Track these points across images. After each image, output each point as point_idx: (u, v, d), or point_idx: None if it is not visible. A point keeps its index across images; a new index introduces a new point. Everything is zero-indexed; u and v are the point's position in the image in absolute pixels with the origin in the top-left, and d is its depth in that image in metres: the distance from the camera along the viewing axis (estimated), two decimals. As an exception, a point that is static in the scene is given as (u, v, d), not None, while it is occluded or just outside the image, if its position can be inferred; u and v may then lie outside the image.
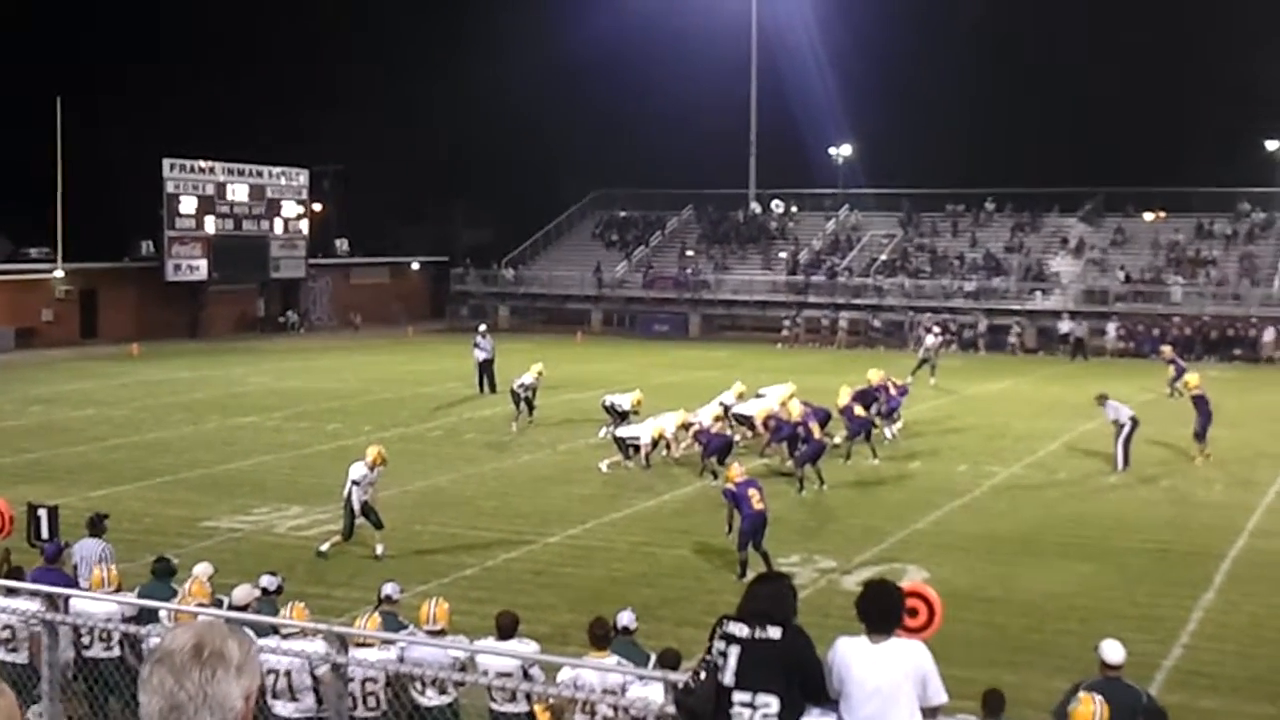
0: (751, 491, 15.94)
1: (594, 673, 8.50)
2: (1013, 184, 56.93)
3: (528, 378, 26.88)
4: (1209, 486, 21.59)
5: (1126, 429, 22.81)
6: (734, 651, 5.54)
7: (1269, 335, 44.99)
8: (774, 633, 5.54)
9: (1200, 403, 23.93)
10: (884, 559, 16.62)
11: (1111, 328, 47.76)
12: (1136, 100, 63.70)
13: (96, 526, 13.03)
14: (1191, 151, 58.20)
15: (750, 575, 15.16)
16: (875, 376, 25.93)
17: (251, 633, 6.23)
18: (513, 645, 9.48)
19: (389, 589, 11.04)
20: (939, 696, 5.68)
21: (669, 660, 9.11)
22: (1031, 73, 64.85)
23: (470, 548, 17.05)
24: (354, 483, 16.45)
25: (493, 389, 31.98)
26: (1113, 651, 9.32)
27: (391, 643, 9.14)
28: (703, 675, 5.61)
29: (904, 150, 61.51)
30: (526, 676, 9.01)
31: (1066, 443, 25.92)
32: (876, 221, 59.52)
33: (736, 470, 16.59)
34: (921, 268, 54.39)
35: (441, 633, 9.82)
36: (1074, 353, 45.65)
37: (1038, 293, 51.01)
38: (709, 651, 5.66)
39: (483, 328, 34.75)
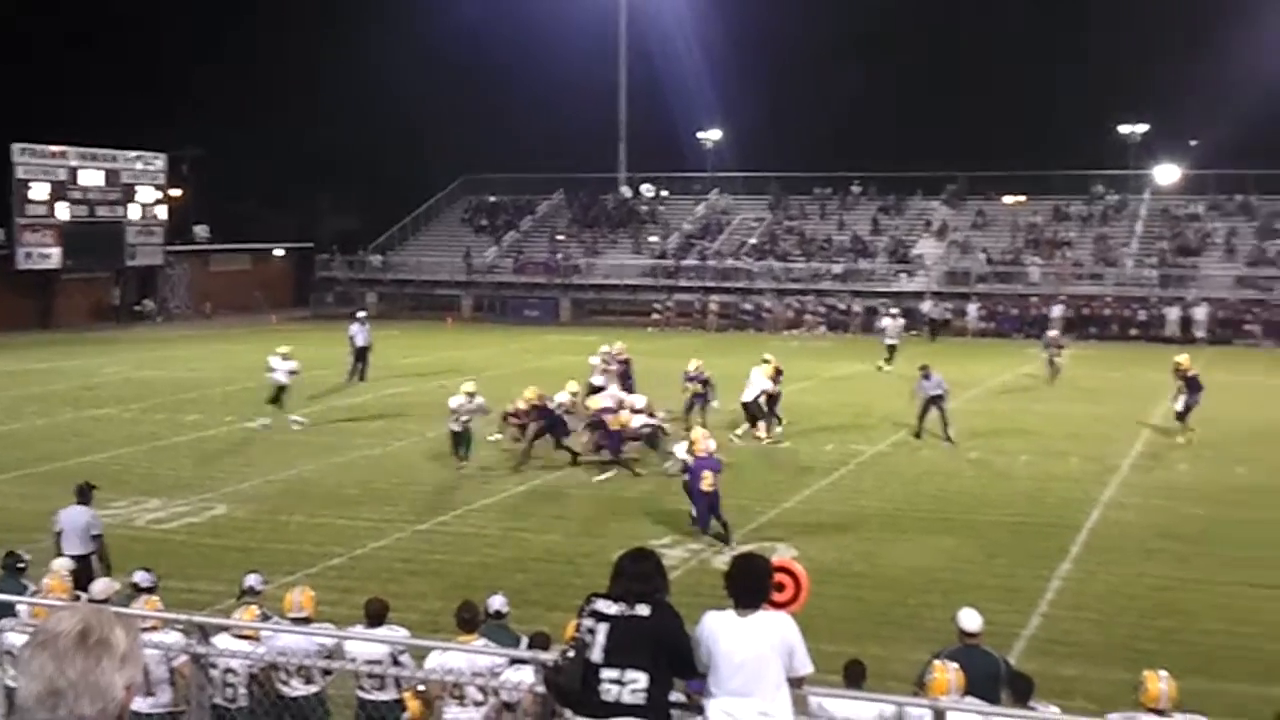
0: (705, 472, 16.38)
1: (461, 657, 8.41)
2: (878, 168, 57.98)
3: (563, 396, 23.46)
4: (1065, 460, 22.22)
5: (941, 401, 23.83)
6: (603, 628, 5.55)
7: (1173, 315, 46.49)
8: (643, 610, 5.56)
9: (1193, 384, 24.05)
10: (754, 538, 16.72)
11: (973, 308, 49.00)
12: (996, 85, 65.29)
13: (84, 495, 13.49)
14: (1048, 136, 59.88)
15: (733, 546, 15.73)
16: (767, 371, 24.82)
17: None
18: (381, 632, 9.33)
19: (251, 580, 10.77)
20: (805, 667, 5.72)
21: (539, 643, 9.06)
22: (895, 58, 66.09)
23: (338, 537, 16.74)
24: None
25: (362, 377, 31.45)
26: (970, 620, 9.57)
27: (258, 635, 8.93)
28: (571, 653, 5.58)
29: (772, 134, 62.24)
30: (395, 663, 8.88)
31: (929, 420, 26.41)
32: (745, 205, 60.11)
33: (701, 442, 16.92)
34: (790, 250, 55.04)
35: (306, 620, 9.61)
36: (933, 333, 46.66)
37: (903, 274, 52.00)
38: (578, 630, 5.65)
39: (361, 314, 33.89)
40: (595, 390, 24.31)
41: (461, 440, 21.33)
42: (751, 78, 61.15)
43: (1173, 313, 46.59)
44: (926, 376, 24.25)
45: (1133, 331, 46.44)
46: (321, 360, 35.27)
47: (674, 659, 5.62)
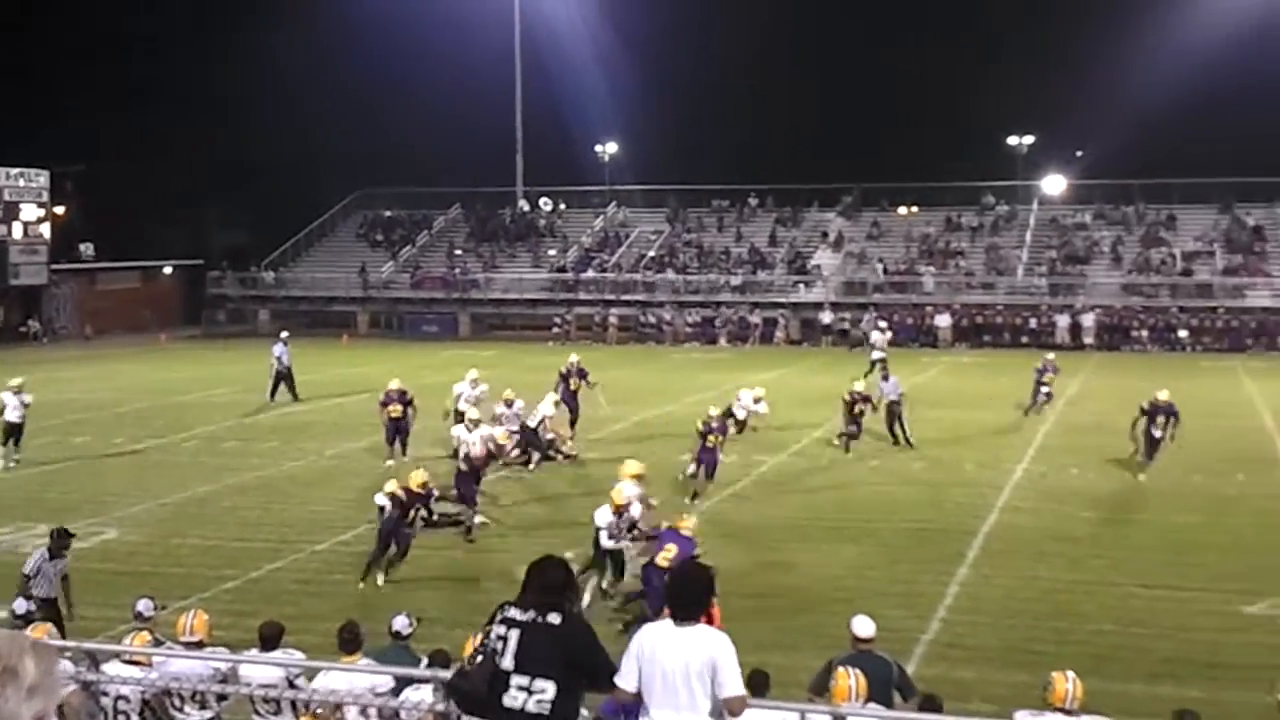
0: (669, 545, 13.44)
1: (342, 677, 8.31)
2: (775, 180, 58.55)
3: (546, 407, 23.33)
4: (961, 467, 22.57)
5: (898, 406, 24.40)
6: (514, 635, 5.50)
7: (1063, 322, 47.48)
8: (554, 619, 5.52)
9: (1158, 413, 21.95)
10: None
11: (869, 318, 49.59)
12: (889, 99, 66.35)
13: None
14: (940, 148, 60.95)
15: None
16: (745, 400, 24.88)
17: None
18: (276, 655, 9.14)
19: (142, 606, 10.48)
20: (733, 689, 5.61)
21: (439, 661, 8.99)
22: (790, 71, 66.77)
23: (233, 559, 16.36)
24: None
25: (295, 397, 30.80)
26: (863, 626, 9.76)
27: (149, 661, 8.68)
28: (479, 659, 5.52)
29: (669, 147, 62.50)
30: (291, 686, 8.69)
31: (831, 430, 26.67)
32: (644, 218, 60.31)
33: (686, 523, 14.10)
34: (689, 263, 55.31)
35: (199, 645, 9.37)
36: (852, 344, 46.57)
37: (801, 285, 52.52)
38: (487, 637, 5.58)
39: (285, 333, 33.00)
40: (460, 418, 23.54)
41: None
42: (648, 91, 61.41)
43: (1062, 320, 47.68)
44: (885, 378, 25.00)
45: (1023, 339, 47.40)
46: (212, 379, 34.67)
47: (585, 671, 5.57)
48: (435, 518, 16.16)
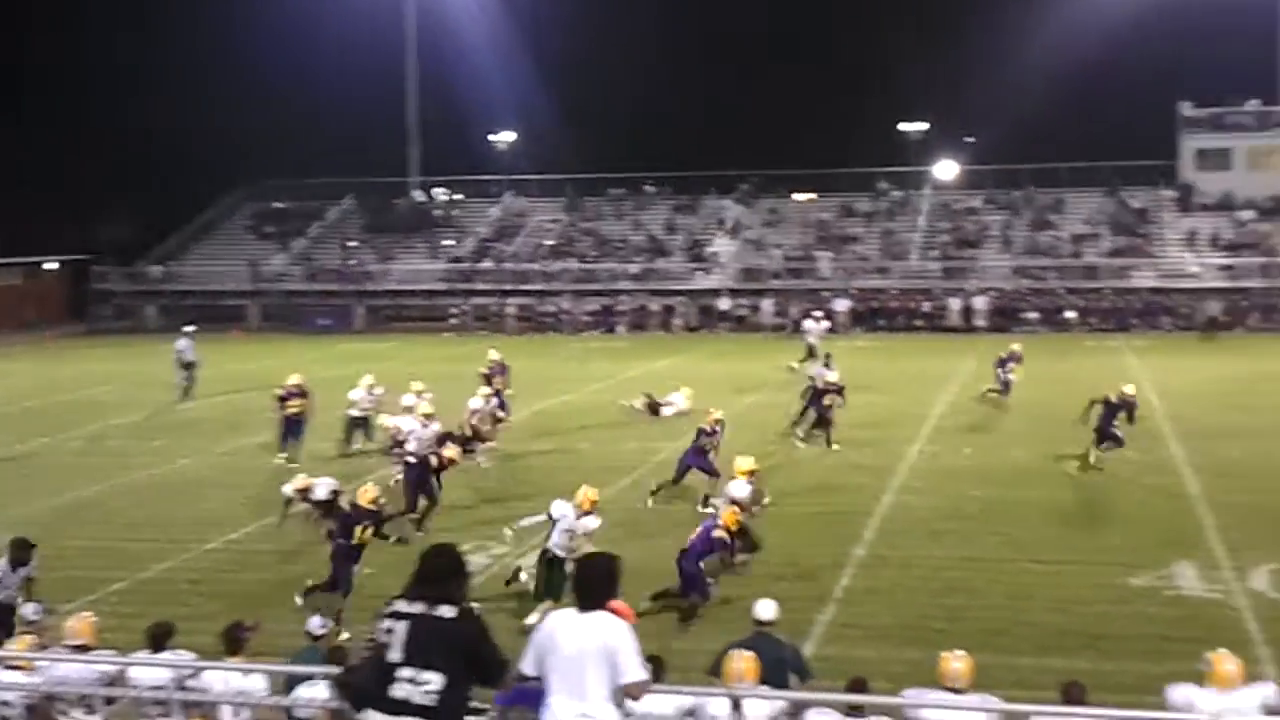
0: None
1: (222, 677, 8.18)
2: (671, 167, 58.63)
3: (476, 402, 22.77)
4: (858, 449, 22.81)
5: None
6: (402, 627, 5.44)
7: (955, 305, 48.29)
8: (446, 611, 5.45)
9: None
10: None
11: (768, 304, 50.04)
12: (784, 86, 66.77)
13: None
14: (835, 135, 61.53)
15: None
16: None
17: None
18: (165, 656, 8.93)
19: (28, 610, 10.18)
20: (633, 674, 5.60)
21: (338, 658, 8.88)
22: (686, 59, 66.88)
23: (121, 560, 15.95)
24: None
25: (187, 395, 30.08)
26: (764, 609, 9.95)
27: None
28: (366, 653, 5.44)
29: (565, 135, 62.22)
30: (181, 688, 8.49)
31: (728, 415, 26.81)
32: (541, 207, 60.02)
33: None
34: (587, 251, 55.22)
35: (85, 648, 9.11)
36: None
37: (700, 272, 52.73)
38: (377, 632, 5.52)
39: (189, 328, 31.89)
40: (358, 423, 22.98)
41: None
42: (543, 78, 61.00)
43: (955, 303, 48.50)
44: (827, 365, 25.22)
45: (918, 322, 48.16)
46: (98, 376, 33.80)
47: (475, 664, 5.49)
48: (387, 536, 14.39)
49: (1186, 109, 54.26)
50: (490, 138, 65.25)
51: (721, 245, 54.37)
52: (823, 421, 23.30)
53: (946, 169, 59.99)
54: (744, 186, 58.31)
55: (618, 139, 63.43)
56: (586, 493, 13.92)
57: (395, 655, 5.39)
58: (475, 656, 5.48)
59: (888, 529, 17.12)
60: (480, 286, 53.17)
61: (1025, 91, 55.39)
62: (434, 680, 5.34)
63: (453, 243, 57.21)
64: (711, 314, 50.53)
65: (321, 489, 17.47)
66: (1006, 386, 27.41)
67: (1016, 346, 28.24)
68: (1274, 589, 14.07)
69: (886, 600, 13.97)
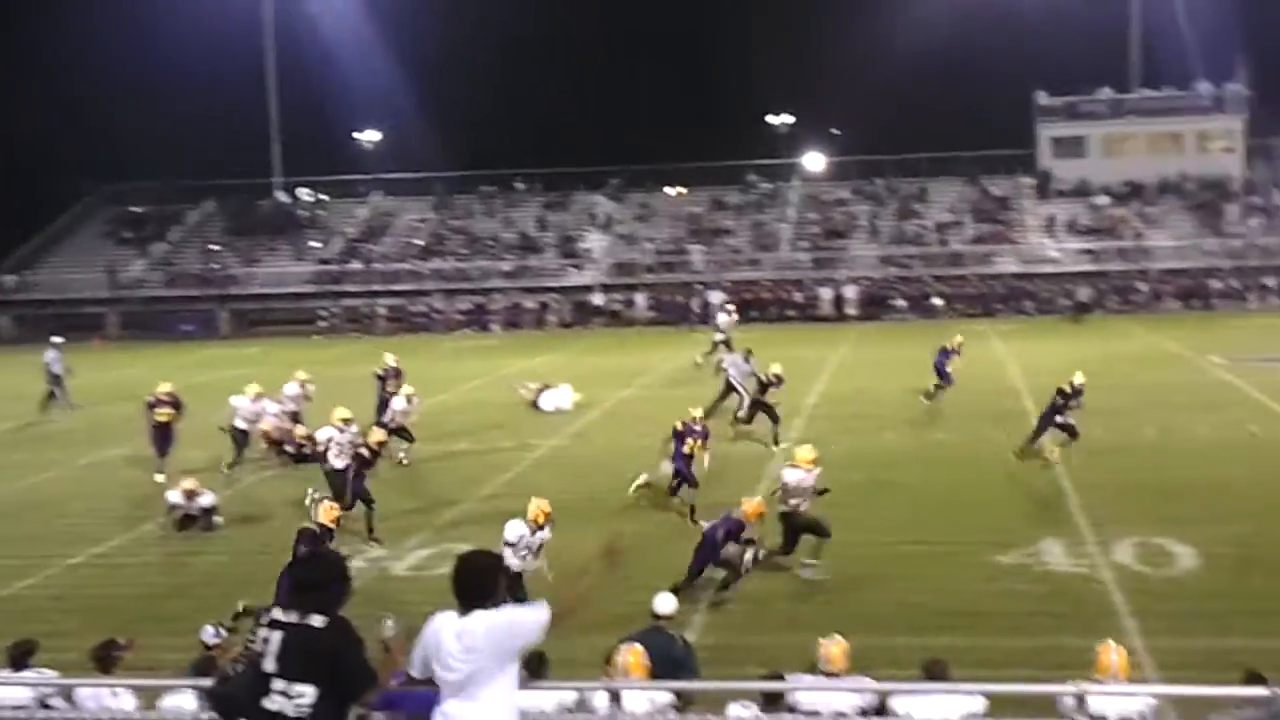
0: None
1: (93, 694, 7.90)
2: (541, 164, 58.43)
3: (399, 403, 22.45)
4: (734, 440, 22.91)
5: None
6: (276, 637, 5.25)
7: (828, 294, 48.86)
8: (316, 621, 5.27)
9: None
10: (434, 541, 16.48)
11: (641, 298, 50.17)
12: (651, 81, 67.03)
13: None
14: (704, 129, 61.95)
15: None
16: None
17: None
18: (27, 675, 8.57)
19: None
20: (537, 620, 5.56)
21: (203, 668, 8.62)
22: (554, 55, 66.65)
23: (-24, 580, 15.28)
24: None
25: (69, 405, 28.91)
26: (662, 603, 9.99)
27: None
28: (241, 665, 5.22)
29: (433, 133, 61.58)
30: (44, 706, 8.16)
31: (606, 411, 26.82)
32: (409, 206, 59.33)
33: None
34: (458, 250, 54.72)
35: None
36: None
37: (572, 269, 52.63)
38: (252, 640, 5.33)
39: (57, 339, 30.70)
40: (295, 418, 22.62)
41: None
42: (409, 75, 60.29)
43: (826, 293, 49.20)
44: (746, 360, 24.80)
45: (790, 313, 48.73)
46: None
47: (341, 677, 5.30)
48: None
49: (1042, 98, 55.83)
50: (355, 136, 64.32)
51: (594, 241, 54.34)
52: (772, 416, 22.34)
53: (814, 161, 60.87)
54: (614, 182, 58.39)
55: (486, 136, 63.05)
56: (539, 505, 13.29)
57: (269, 666, 5.22)
58: (340, 668, 5.30)
59: (767, 516, 17.15)
60: (349, 288, 52.40)
61: (887, 84, 56.38)
62: (306, 693, 5.17)
63: (319, 244, 56.25)
64: (585, 310, 50.50)
65: (207, 497, 17.40)
66: (945, 376, 25.82)
67: (959, 338, 26.90)
68: (1137, 562, 14.47)
69: (764, 587, 14.01)
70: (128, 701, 7.87)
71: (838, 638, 8.62)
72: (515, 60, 64.43)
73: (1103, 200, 53.08)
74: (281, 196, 61.03)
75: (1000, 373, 30.49)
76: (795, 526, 14.50)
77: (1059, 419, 19.89)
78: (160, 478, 20.51)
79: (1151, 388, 27.36)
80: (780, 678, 8.52)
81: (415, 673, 5.63)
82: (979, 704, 7.39)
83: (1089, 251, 49.90)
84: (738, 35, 66.00)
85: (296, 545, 12.88)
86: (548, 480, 20.16)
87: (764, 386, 22.87)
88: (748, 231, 54.70)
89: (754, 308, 49.49)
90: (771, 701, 7.70)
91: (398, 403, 22.08)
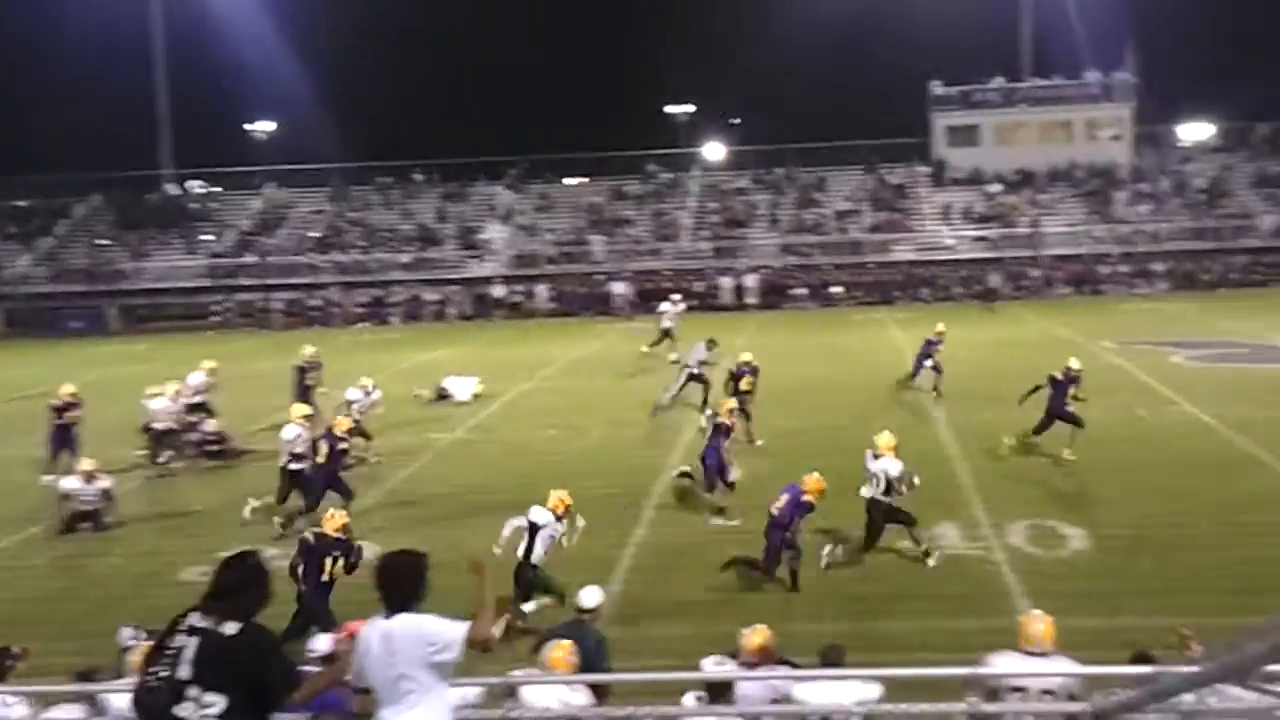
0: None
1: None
2: (439, 154, 57.85)
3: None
4: (634, 430, 22.91)
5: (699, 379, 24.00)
6: (192, 643, 5.10)
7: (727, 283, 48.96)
8: (229, 629, 5.11)
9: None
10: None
11: (542, 289, 49.94)
12: (550, 71, 66.70)
13: None
14: (604, 119, 61.80)
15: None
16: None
17: None
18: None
19: None
20: (455, 637, 5.43)
21: (84, 676, 8.39)
22: (451, 44, 65.98)
23: None
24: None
25: None
26: (586, 597, 10.15)
27: None
28: (161, 671, 5.08)
29: (328, 124, 60.64)
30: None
31: (507, 403, 26.62)
32: (304, 198, 58.38)
33: None
34: (355, 242, 53.98)
35: None
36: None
37: (473, 260, 52.20)
38: (164, 646, 5.17)
39: None
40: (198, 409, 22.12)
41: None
42: (303, 65, 59.25)
43: (726, 282, 49.38)
44: (709, 348, 24.71)
45: (691, 302, 48.73)
46: None
47: (255, 687, 5.14)
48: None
49: (937, 87, 56.60)
50: (248, 128, 63.09)
51: (494, 232, 53.94)
52: (744, 413, 20.83)
53: (714, 150, 61.05)
54: (514, 172, 58.02)
55: (384, 127, 62.28)
56: (560, 496, 13.09)
57: (183, 672, 5.06)
58: (253, 677, 5.14)
59: (666, 507, 17.18)
60: (243, 282, 51.42)
61: (786, 74, 56.83)
62: (217, 703, 5.02)
63: (212, 237, 55.10)
64: (486, 302, 50.14)
65: (105, 481, 17.20)
66: (921, 367, 25.20)
67: (941, 326, 26.05)
68: (1029, 544, 14.71)
69: (668, 578, 13.99)
70: (18, 711, 7.59)
71: (760, 627, 8.66)
72: (412, 49, 63.66)
73: (995, 188, 54.00)
74: (171, 189, 59.65)
75: (900, 360, 30.79)
76: (882, 517, 14.34)
77: (1065, 409, 19.00)
78: (49, 479, 19.89)
79: (1044, 373, 27.82)
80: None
81: (353, 680, 5.57)
82: (875, 691, 7.41)
83: (980, 239, 50.70)
84: (637, 25, 65.95)
85: (426, 560, 12.26)
86: (450, 474, 20.01)
87: (735, 376, 21.89)
88: (648, 221, 54.71)
89: (655, 297, 49.47)
90: (719, 693, 7.70)
91: (352, 393, 21.47)
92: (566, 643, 8.47)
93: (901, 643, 11.27)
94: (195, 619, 5.18)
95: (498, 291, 50.01)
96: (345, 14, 60.22)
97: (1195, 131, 58.54)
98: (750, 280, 49.25)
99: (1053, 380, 19.44)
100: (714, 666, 8.44)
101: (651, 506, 17.22)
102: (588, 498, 17.80)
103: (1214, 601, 12.04)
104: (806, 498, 13.61)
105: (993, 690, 7.46)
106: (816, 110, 58.70)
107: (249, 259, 52.92)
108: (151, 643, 7.54)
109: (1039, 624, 8.12)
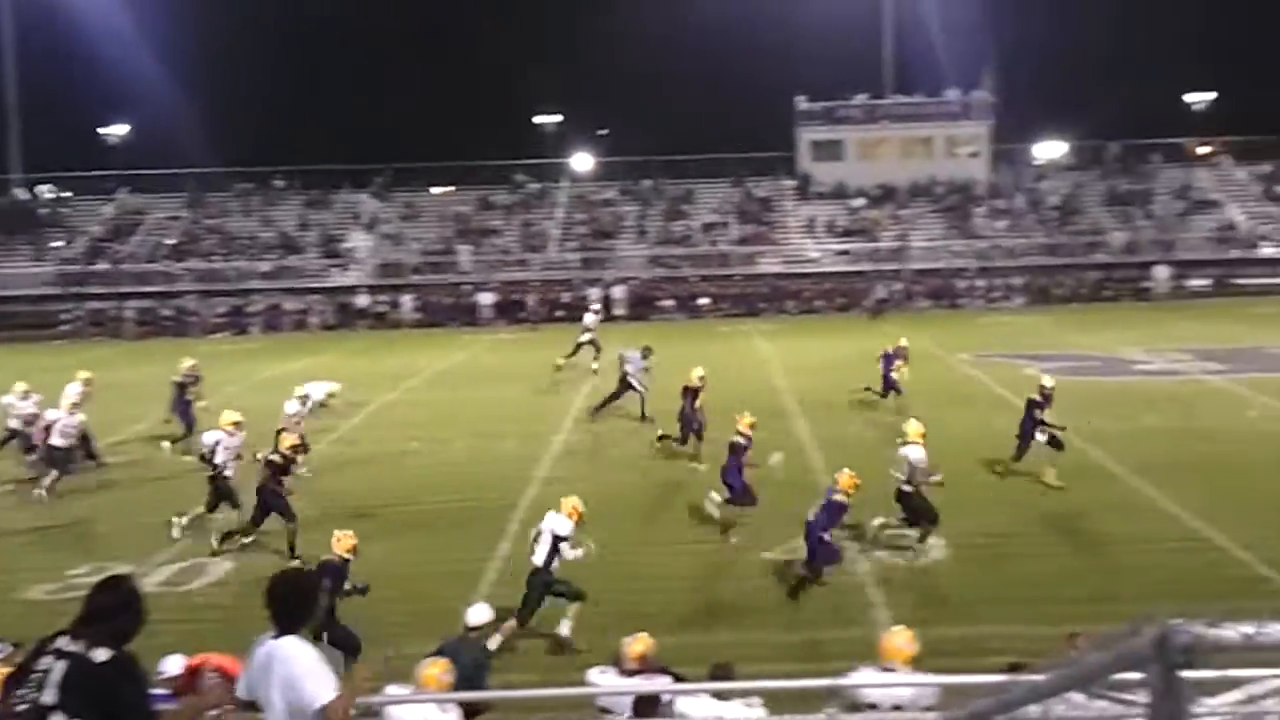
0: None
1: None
2: (302, 161, 56.72)
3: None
4: (502, 442, 22.63)
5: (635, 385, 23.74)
6: (59, 668, 4.88)
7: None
8: (99, 655, 4.89)
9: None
10: (188, 554, 15.67)
11: (408, 300, 49.26)
12: (417, 78, 65.94)
13: None
14: (471, 128, 61.33)
15: None
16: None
17: None
18: None
19: None
20: (315, 699, 5.12)
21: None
22: (315, 50, 64.89)
23: None
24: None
25: None
26: (473, 614, 10.06)
27: None
28: (26, 694, 4.85)
29: (185, 128, 58.98)
30: None
31: (371, 414, 26.15)
32: (160, 204, 56.69)
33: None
34: (213, 250, 52.59)
35: None
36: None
37: (335, 269, 51.26)
38: (31, 668, 4.95)
39: None
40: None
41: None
42: (159, 67, 57.54)
43: (594, 293, 49.26)
44: (645, 356, 24.20)
45: (559, 313, 48.60)
46: None
47: (122, 715, 4.89)
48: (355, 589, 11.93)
49: (802, 103, 57.39)
50: (101, 130, 61.08)
51: (357, 241, 53.07)
52: (697, 432, 20.27)
53: (582, 161, 60.98)
54: (379, 180, 57.19)
55: (243, 132, 60.79)
56: (575, 503, 12.73)
57: (48, 697, 4.83)
58: (114, 707, 4.90)
59: (533, 520, 16.89)
60: (95, 289, 49.68)
61: (654, 86, 57.09)
62: None
63: (62, 243, 53.18)
64: (349, 312, 49.26)
65: None
66: (892, 385, 24.17)
67: (904, 341, 25.17)
68: (892, 554, 14.85)
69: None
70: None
71: (641, 635, 8.65)
72: (274, 53, 62.38)
73: (858, 202, 54.94)
74: (20, 193, 57.43)
75: (764, 372, 31.07)
76: (915, 507, 14.59)
77: (1038, 433, 18.46)
78: None
79: (906, 384, 28.27)
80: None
81: (241, 694, 5.41)
82: (758, 714, 7.39)
83: (843, 252, 51.51)
84: (506, 34, 65.61)
85: (319, 580, 11.66)
86: (312, 486, 19.45)
87: (690, 392, 20.74)
88: (516, 232, 54.39)
89: (523, 308, 49.26)
90: (646, 707, 7.64)
91: (290, 406, 20.74)
92: (442, 660, 8.30)
93: (766, 654, 11.24)
94: (64, 642, 4.97)
95: (362, 301, 49.17)
96: (205, 13, 58.77)
97: (1049, 150, 60.43)
98: (618, 291, 49.25)
99: (1028, 401, 18.88)
100: (598, 677, 8.41)
101: (518, 519, 16.96)
102: (448, 511, 17.60)
103: (1069, 610, 12.26)
104: (838, 496, 13.71)
105: (853, 704, 7.44)
106: (685, 123, 59.15)
107: (100, 266, 51.18)
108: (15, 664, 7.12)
109: (897, 639, 8.14)
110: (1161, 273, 49.48)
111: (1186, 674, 3.10)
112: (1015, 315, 45.37)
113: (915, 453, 14.71)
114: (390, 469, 20.81)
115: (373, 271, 51.06)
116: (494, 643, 11.37)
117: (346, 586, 11.66)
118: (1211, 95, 61.72)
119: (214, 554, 15.59)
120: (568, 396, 27.54)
